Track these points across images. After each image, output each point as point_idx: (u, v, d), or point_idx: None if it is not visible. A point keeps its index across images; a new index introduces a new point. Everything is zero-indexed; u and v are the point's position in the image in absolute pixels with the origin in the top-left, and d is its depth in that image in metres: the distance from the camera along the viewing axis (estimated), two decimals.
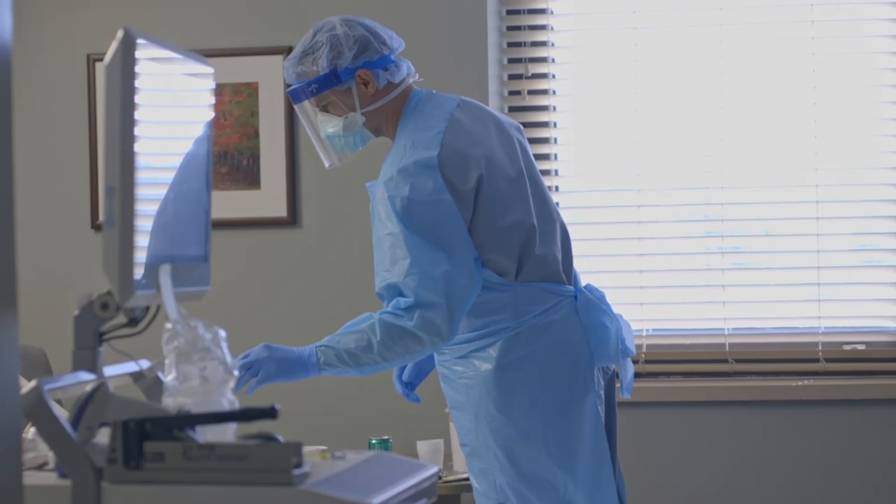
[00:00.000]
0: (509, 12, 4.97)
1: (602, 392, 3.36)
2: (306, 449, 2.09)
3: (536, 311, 3.29)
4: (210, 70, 2.38)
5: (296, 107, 3.41)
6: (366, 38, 3.33)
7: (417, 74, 3.44)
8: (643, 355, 4.84)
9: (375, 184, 3.32)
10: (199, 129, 2.36)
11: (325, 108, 3.37)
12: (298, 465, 1.99)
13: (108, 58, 2.09)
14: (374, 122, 3.37)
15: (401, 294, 3.22)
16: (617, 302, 3.58)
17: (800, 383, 4.74)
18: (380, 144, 3.50)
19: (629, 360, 3.44)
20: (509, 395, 3.28)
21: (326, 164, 3.51)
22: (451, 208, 3.22)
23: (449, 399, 3.40)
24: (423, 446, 4.31)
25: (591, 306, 3.34)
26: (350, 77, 3.32)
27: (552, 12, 4.96)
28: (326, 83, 3.32)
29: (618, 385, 3.44)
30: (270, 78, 4.90)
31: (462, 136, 3.29)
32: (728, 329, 4.87)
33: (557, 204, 4.94)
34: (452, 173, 3.23)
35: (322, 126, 3.39)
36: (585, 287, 3.40)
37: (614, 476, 3.34)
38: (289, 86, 3.39)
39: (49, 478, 2.10)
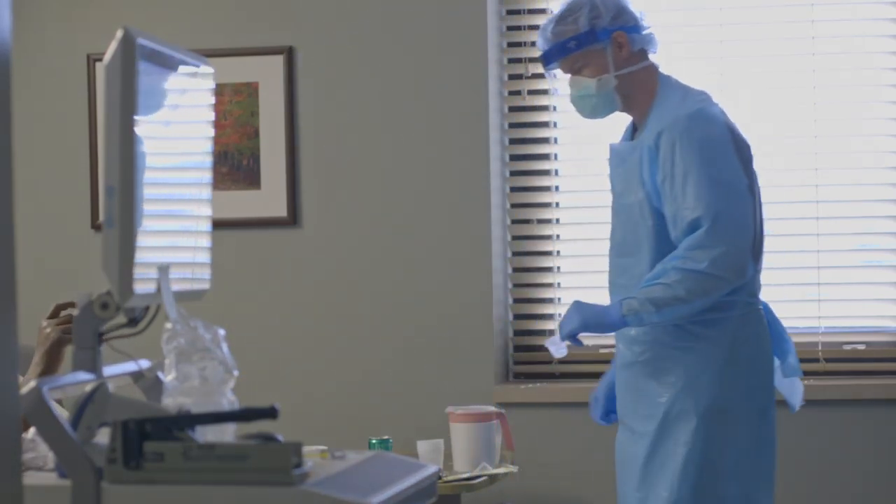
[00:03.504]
0: (509, 12, 4.97)
1: None
2: (306, 449, 2.09)
3: (757, 303, 3.44)
4: (210, 70, 2.38)
5: (545, 71, 3.54)
6: (622, 5, 3.51)
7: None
8: None
9: (629, 144, 3.48)
10: (199, 129, 2.36)
11: (577, 72, 3.48)
12: (298, 465, 1.99)
13: (107, 58, 2.09)
14: (626, 88, 3.49)
15: (699, 227, 3.30)
16: None
17: None
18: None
19: (797, 379, 3.56)
20: (734, 370, 3.37)
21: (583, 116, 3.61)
22: (735, 160, 3.36)
23: (648, 366, 3.42)
24: (423, 446, 4.30)
25: (774, 320, 3.48)
26: (607, 37, 3.47)
27: (552, 12, 4.95)
28: (585, 41, 3.46)
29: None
30: (270, 78, 4.90)
31: (732, 121, 3.47)
32: None
33: (558, 204, 4.95)
34: (739, 146, 3.40)
35: (573, 88, 3.51)
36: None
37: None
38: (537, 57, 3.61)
39: (49, 478, 2.10)
